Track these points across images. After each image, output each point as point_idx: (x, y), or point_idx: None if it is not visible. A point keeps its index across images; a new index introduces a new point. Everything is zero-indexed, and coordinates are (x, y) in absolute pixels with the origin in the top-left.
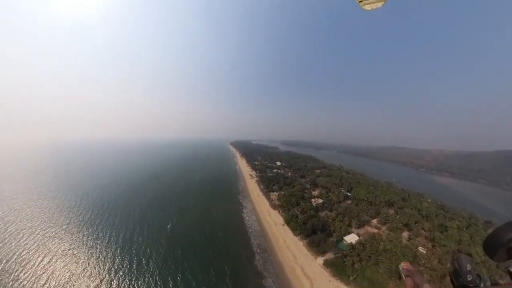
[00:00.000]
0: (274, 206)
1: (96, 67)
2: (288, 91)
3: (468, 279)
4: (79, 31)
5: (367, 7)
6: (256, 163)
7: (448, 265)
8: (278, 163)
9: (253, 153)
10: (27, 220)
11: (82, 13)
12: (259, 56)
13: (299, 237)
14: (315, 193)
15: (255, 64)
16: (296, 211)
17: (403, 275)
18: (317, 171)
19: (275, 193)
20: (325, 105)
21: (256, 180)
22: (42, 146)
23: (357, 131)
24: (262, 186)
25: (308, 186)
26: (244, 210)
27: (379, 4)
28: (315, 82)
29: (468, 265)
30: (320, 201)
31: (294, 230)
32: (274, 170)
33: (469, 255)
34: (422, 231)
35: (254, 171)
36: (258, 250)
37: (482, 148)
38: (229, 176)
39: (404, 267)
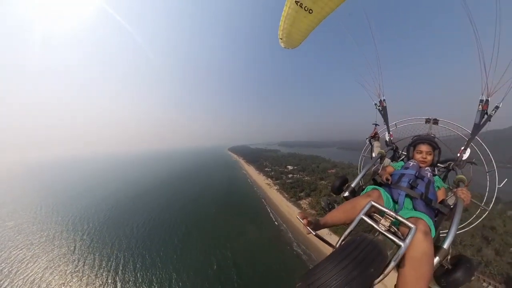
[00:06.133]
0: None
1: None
2: (281, 91)
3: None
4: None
5: (282, 45)
6: (267, 169)
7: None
8: (290, 167)
9: (258, 158)
10: None
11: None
12: (255, 56)
13: None
14: None
15: (246, 66)
16: None
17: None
18: (331, 171)
19: (304, 200)
20: (323, 102)
21: (277, 189)
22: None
23: (353, 126)
24: (286, 195)
25: None
26: (282, 228)
27: (288, 48)
28: (308, 81)
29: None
30: None
31: None
32: (290, 175)
33: (492, 228)
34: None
35: (269, 179)
36: None
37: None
38: (244, 188)
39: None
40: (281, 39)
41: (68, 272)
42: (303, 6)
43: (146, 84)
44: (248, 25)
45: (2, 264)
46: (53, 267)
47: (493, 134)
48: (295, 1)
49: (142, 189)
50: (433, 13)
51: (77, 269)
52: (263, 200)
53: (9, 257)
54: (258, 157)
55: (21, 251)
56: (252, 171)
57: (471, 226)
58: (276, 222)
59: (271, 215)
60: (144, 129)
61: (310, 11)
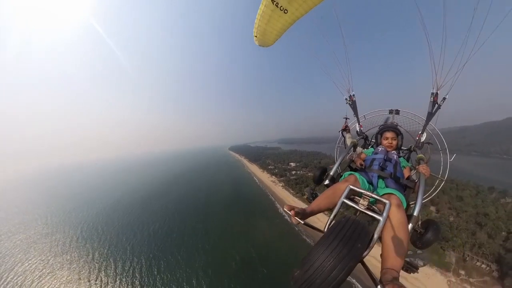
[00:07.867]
0: None
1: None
2: (280, 89)
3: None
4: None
5: (257, 43)
6: (270, 167)
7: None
8: (292, 164)
9: (261, 157)
10: None
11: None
12: (254, 55)
13: None
14: None
15: (243, 65)
16: None
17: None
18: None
19: None
20: (322, 99)
21: (282, 186)
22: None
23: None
24: (292, 191)
25: None
26: (291, 221)
27: (262, 46)
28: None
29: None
30: None
31: None
32: (293, 172)
33: (485, 214)
34: (445, 204)
35: (274, 177)
36: None
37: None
38: (250, 186)
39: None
40: (256, 36)
41: (92, 280)
42: (279, 6)
43: (146, 85)
44: (246, 24)
45: (20, 278)
46: (75, 279)
47: (490, 125)
48: (271, 0)
49: (149, 193)
50: (392, 22)
51: (99, 278)
52: (270, 197)
53: (26, 270)
54: (260, 155)
55: (37, 265)
56: (256, 170)
57: (433, 195)
58: (286, 217)
59: (280, 210)
60: (144, 131)
61: (285, 11)
